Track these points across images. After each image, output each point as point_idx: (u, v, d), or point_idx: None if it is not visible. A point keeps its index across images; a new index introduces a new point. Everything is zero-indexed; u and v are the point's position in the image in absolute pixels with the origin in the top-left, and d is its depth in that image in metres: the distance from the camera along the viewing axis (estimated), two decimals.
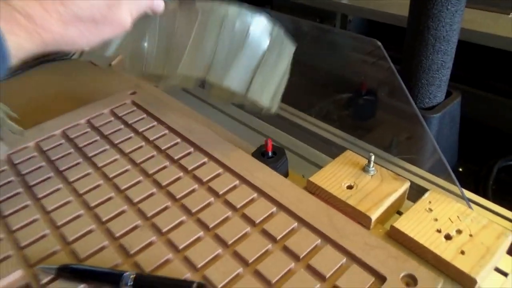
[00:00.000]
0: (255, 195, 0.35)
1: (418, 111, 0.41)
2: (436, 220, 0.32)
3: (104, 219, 0.33)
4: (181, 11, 0.32)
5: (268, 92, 0.35)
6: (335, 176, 0.37)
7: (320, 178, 0.37)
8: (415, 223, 0.32)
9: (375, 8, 0.89)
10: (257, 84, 0.34)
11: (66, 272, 0.28)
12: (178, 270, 0.29)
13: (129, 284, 0.27)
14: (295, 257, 0.30)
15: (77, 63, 0.63)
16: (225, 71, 0.33)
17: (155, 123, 0.44)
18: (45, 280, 0.29)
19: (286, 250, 0.30)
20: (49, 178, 0.38)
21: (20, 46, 0.24)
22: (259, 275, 0.29)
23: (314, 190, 0.36)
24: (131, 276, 0.27)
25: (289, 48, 0.36)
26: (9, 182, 0.37)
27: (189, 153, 0.40)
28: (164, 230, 0.32)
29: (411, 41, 0.64)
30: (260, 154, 0.40)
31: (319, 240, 0.31)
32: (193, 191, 0.36)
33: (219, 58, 0.33)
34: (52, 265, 0.29)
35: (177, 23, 0.32)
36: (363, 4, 0.93)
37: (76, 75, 0.60)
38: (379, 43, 0.43)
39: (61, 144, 0.42)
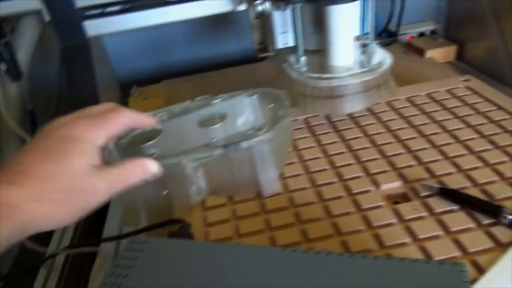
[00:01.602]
0: None
1: None
2: None
3: (463, 168, 0.40)
4: None
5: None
6: None
7: None
8: None
9: None
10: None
11: (446, 192, 0.36)
12: None
13: (508, 217, 0.32)
14: None
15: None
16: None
17: (495, 108, 0.48)
18: (424, 194, 0.37)
19: None
20: (404, 128, 0.47)
21: None
22: None
23: None
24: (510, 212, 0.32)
25: None
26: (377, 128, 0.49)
27: None
28: None
29: None
30: None
31: None
32: None
33: None
34: (434, 184, 0.37)
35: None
36: None
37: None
38: None
39: (407, 106, 0.51)
